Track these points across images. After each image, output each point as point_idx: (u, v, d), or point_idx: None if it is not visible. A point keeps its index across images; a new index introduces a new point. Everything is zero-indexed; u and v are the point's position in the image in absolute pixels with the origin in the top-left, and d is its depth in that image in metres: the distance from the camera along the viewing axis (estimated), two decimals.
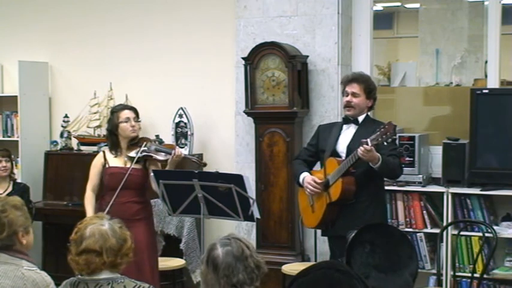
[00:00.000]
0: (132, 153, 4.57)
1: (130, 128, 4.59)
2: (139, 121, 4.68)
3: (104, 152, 4.69)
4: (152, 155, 4.56)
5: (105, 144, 6.08)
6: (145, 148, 4.56)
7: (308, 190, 4.29)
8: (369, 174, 4.10)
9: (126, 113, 4.60)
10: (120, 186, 4.42)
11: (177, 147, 4.81)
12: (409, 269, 3.99)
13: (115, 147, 4.64)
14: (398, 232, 4.21)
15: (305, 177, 4.32)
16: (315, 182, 4.25)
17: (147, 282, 4.39)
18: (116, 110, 4.66)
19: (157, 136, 5.81)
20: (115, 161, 4.61)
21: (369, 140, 3.91)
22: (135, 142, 4.62)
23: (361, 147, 3.93)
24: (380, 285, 3.76)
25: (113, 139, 4.64)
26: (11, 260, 2.86)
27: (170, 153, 4.53)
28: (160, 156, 4.57)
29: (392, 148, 4.15)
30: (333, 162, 4.22)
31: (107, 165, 4.61)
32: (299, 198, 4.55)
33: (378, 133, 3.89)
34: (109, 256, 2.69)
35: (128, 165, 4.55)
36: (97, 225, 2.73)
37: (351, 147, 4.16)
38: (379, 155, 3.99)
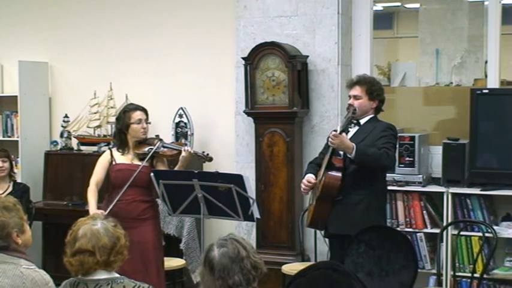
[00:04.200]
0: (140, 151, 4.61)
1: (142, 129, 4.61)
2: (149, 123, 4.69)
3: (110, 150, 4.69)
4: (159, 151, 4.61)
5: (105, 144, 6.12)
6: (153, 146, 4.58)
7: (301, 189, 4.38)
8: (360, 172, 4.14)
9: (138, 114, 4.60)
10: (129, 183, 4.42)
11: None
12: (400, 278, 3.98)
13: (123, 146, 4.64)
14: (401, 238, 4.21)
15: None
16: (307, 181, 4.31)
17: (153, 281, 4.47)
18: (128, 110, 4.64)
19: (157, 136, 5.81)
20: (122, 159, 4.61)
21: (338, 127, 4.01)
22: (143, 141, 4.64)
23: (329, 134, 4.04)
24: None
25: (121, 137, 4.63)
26: (10, 259, 2.86)
27: (176, 149, 4.61)
28: (169, 152, 4.64)
29: (385, 141, 4.18)
30: (325, 160, 4.27)
31: (113, 163, 4.60)
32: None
33: (344, 119, 4.03)
34: (102, 255, 2.68)
35: (135, 163, 4.57)
36: (89, 225, 2.73)
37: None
38: (353, 144, 4.03)
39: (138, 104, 4.70)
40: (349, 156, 4.08)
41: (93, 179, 4.62)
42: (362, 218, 4.16)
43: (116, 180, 4.56)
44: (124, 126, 4.60)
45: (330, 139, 4.04)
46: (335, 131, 4.04)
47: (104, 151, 5.99)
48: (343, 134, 4.06)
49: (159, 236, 4.76)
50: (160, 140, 4.69)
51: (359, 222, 4.11)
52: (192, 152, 4.57)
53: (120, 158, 4.62)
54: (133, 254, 4.42)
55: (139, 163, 4.57)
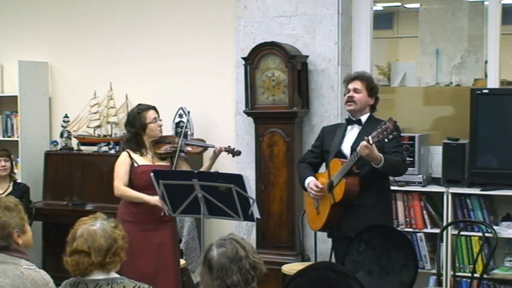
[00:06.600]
0: (162, 150, 4.61)
1: (158, 127, 4.61)
2: (161, 120, 4.68)
3: (127, 152, 4.60)
4: (184, 149, 4.61)
5: (105, 144, 6.11)
6: (176, 145, 4.59)
7: (311, 195, 4.30)
8: (374, 175, 4.10)
9: (152, 113, 4.60)
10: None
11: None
12: (400, 277, 3.98)
13: (140, 148, 4.59)
14: (401, 238, 4.21)
15: (309, 182, 4.31)
16: (316, 187, 4.25)
17: (171, 283, 4.49)
18: (141, 111, 4.59)
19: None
20: (143, 160, 4.58)
21: (369, 137, 3.89)
22: (159, 140, 4.63)
23: (360, 144, 3.93)
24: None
25: (138, 139, 4.59)
26: (10, 259, 2.86)
27: (201, 146, 4.66)
28: (194, 149, 4.67)
29: (396, 145, 4.15)
30: (336, 163, 4.20)
31: (135, 164, 4.55)
32: (305, 201, 4.54)
33: (379, 130, 3.88)
34: (97, 256, 2.68)
35: (157, 163, 4.56)
36: (88, 225, 2.73)
37: (355, 147, 4.14)
38: (381, 155, 3.97)
39: (147, 104, 4.68)
40: (375, 166, 4.00)
41: (119, 181, 4.52)
42: (379, 220, 4.17)
43: (140, 182, 4.51)
44: (141, 128, 4.57)
45: (360, 148, 3.92)
46: (367, 140, 3.89)
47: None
48: (373, 145, 3.90)
49: (177, 238, 4.79)
50: (177, 138, 4.68)
51: (375, 223, 4.11)
52: (223, 149, 4.60)
53: (141, 160, 4.57)
54: (152, 257, 4.45)
55: (162, 163, 4.57)
